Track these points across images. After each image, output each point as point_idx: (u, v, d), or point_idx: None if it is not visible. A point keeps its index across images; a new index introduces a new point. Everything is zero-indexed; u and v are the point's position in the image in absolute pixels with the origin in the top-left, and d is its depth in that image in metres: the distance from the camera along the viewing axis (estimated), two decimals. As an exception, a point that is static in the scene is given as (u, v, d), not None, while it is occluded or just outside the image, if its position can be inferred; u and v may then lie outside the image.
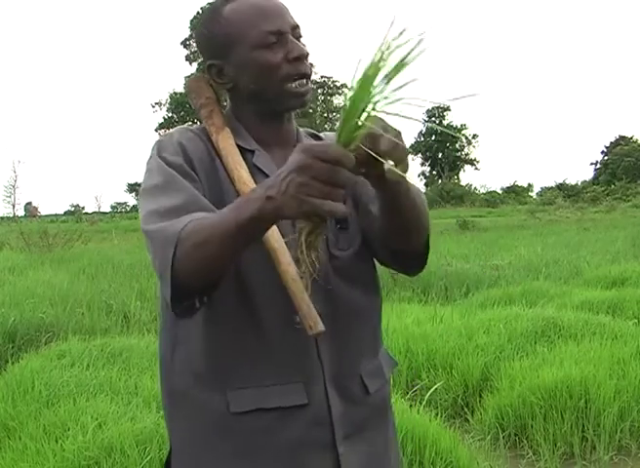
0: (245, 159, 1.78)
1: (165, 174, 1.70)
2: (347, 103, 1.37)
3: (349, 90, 1.37)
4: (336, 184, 1.33)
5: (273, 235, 1.67)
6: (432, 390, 5.92)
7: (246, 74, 1.80)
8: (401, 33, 1.29)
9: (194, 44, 69.66)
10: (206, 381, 1.73)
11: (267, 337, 1.70)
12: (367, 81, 1.33)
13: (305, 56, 1.79)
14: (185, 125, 1.88)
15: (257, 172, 1.78)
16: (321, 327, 1.60)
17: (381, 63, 1.33)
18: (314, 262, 1.48)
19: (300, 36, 1.83)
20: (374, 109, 1.36)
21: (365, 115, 1.36)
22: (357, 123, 1.36)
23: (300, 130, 1.97)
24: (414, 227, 1.74)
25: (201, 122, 1.89)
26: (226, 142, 1.79)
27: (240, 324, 1.70)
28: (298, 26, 1.83)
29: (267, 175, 1.77)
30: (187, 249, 1.51)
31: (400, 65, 1.33)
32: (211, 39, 1.85)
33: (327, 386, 1.75)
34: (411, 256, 1.85)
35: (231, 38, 1.80)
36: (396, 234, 1.75)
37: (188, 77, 2.20)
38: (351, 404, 1.79)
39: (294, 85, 1.77)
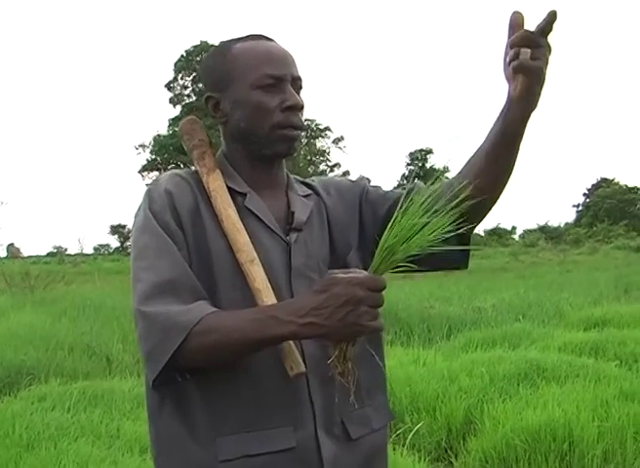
0: (236, 201, 1.81)
1: (155, 234, 1.74)
2: (389, 236, 1.58)
3: (389, 229, 1.59)
4: (380, 306, 1.56)
5: (258, 276, 1.71)
6: (414, 431, 5.91)
7: (239, 111, 1.84)
8: None
9: (178, 87, 70.27)
10: (195, 431, 1.72)
11: (258, 382, 1.71)
12: (411, 223, 1.56)
13: (300, 107, 1.84)
14: (181, 170, 1.91)
15: (248, 214, 1.81)
16: (302, 368, 1.63)
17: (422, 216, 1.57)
18: (353, 370, 1.64)
19: (300, 88, 1.89)
20: (409, 248, 1.58)
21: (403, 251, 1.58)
22: (394, 256, 1.58)
23: (291, 176, 2.00)
24: (508, 167, 1.81)
25: (186, 164, 1.91)
26: (216, 183, 1.81)
27: (231, 371, 1.70)
28: (299, 79, 1.88)
29: (259, 218, 1.82)
30: (198, 346, 1.61)
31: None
32: (214, 71, 1.90)
33: (317, 428, 1.75)
34: (475, 217, 1.83)
35: (233, 73, 1.84)
36: (492, 171, 1.79)
37: (184, 120, 2.27)
38: (339, 447, 1.79)
39: (281, 130, 1.82)
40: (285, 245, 1.83)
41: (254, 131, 1.83)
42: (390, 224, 1.58)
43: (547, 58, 1.64)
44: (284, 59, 1.86)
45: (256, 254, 1.73)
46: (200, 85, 65.90)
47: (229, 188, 1.83)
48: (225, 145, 1.92)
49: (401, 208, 1.59)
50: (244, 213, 1.81)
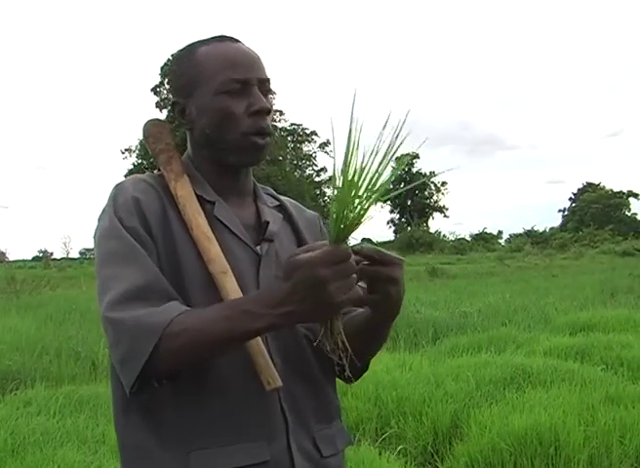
0: (204, 209, 1.76)
1: (123, 240, 1.67)
2: (335, 204, 1.49)
3: (335, 189, 1.49)
4: (351, 275, 1.50)
5: (232, 288, 1.67)
6: (401, 447, 5.91)
7: (204, 118, 1.79)
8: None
9: (164, 91, 70.12)
10: (165, 443, 1.67)
11: (230, 395, 1.67)
12: (352, 182, 1.46)
13: (267, 111, 1.78)
14: (145, 174, 1.86)
15: (217, 223, 1.77)
16: (279, 382, 1.62)
17: (365, 164, 1.46)
18: (343, 343, 1.58)
19: (269, 90, 1.83)
20: (362, 207, 1.48)
21: (356, 212, 1.48)
22: (348, 220, 1.48)
23: (258, 185, 1.96)
24: (375, 350, 1.86)
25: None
26: (185, 190, 1.76)
27: (202, 382, 1.67)
28: (268, 80, 1.82)
29: (227, 228, 1.78)
30: (174, 348, 1.55)
31: (383, 166, 1.47)
32: (179, 77, 1.85)
33: (290, 441, 1.73)
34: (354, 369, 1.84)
35: (197, 79, 1.79)
36: (360, 348, 1.75)
37: (149, 121, 2.21)
38: (311, 464, 1.76)
39: (251, 138, 1.77)
40: (255, 256, 1.79)
41: (221, 137, 1.78)
42: (335, 195, 1.49)
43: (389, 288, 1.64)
44: (249, 62, 1.80)
45: (228, 266, 1.69)
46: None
47: (197, 196, 1.78)
48: (192, 151, 1.87)
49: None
50: (213, 221, 1.76)
